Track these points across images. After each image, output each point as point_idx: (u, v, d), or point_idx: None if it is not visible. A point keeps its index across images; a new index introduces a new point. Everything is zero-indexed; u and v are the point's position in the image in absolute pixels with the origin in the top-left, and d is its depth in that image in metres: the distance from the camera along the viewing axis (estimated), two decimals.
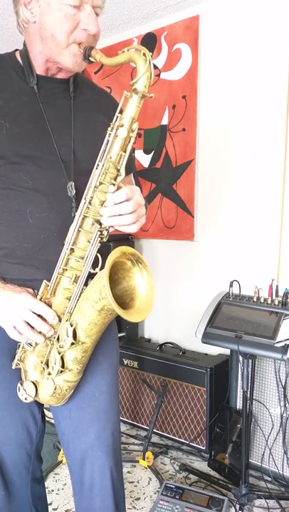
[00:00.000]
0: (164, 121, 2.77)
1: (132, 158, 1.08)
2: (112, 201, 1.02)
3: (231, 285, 2.11)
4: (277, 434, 2.07)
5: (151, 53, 1.00)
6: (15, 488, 1.18)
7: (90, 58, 1.04)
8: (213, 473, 2.21)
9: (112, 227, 1.06)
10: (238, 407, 2.21)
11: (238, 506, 1.90)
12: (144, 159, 2.89)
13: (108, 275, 0.96)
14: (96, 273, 1.04)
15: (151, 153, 2.85)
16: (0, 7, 2.53)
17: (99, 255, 1.06)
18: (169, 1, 2.53)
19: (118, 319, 1.15)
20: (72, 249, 1.05)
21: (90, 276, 1.06)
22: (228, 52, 2.49)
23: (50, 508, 1.76)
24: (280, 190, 2.34)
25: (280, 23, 2.27)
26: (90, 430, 1.19)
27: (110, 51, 2.43)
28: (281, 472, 2.06)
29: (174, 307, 2.87)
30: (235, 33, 2.44)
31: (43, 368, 1.08)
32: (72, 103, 1.16)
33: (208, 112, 2.61)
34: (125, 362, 2.61)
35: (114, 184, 1.04)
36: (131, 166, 1.26)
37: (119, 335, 2.14)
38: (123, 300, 1.06)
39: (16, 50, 1.16)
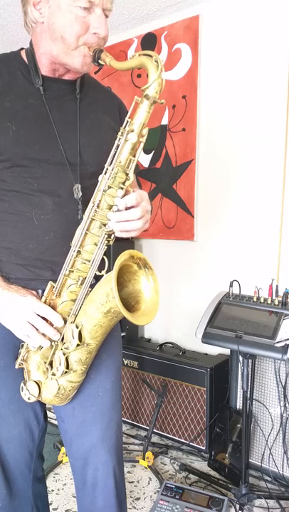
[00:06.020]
0: (164, 121, 2.77)
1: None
2: (122, 206, 1.02)
3: (231, 285, 2.11)
4: (277, 434, 2.08)
5: (163, 60, 1.00)
6: (17, 487, 1.19)
7: (100, 61, 1.03)
8: (213, 473, 2.21)
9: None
10: (238, 407, 2.21)
11: (238, 506, 1.91)
12: (144, 159, 2.88)
13: (116, 278, 0.96)
14: (102, 275, 1.04)
15: (151, 153, 2.85)
16: (0, 7, 2.52)
17: (105, 258, 1.06)
18: (169, 1, 2.53)
19: None
20: (79, 252, 1.06)
21: (96, 278, 1.07)
22: (228, 52, 2.49)
23: (50, 507, 1.76)
24: (280, 190, 2.35)
25: (280, 23, 2.28)
26: (94, 429, 1.19)
27: (110, 51, 2.42)
28: (281, 472, 2.06)
29: (174, 307, 2.87)
30: (235, 33, 2.45)
31: (47, 369, 1.08)
32: (78, 105, 1.15)
33: (208, 111, 2.61)
34: (125, 362, 2.61)
35: (122, 188, 1.05)
36: None
37: None
38: (128, 302, 1.06)
39: (22, 48, 1.14)
